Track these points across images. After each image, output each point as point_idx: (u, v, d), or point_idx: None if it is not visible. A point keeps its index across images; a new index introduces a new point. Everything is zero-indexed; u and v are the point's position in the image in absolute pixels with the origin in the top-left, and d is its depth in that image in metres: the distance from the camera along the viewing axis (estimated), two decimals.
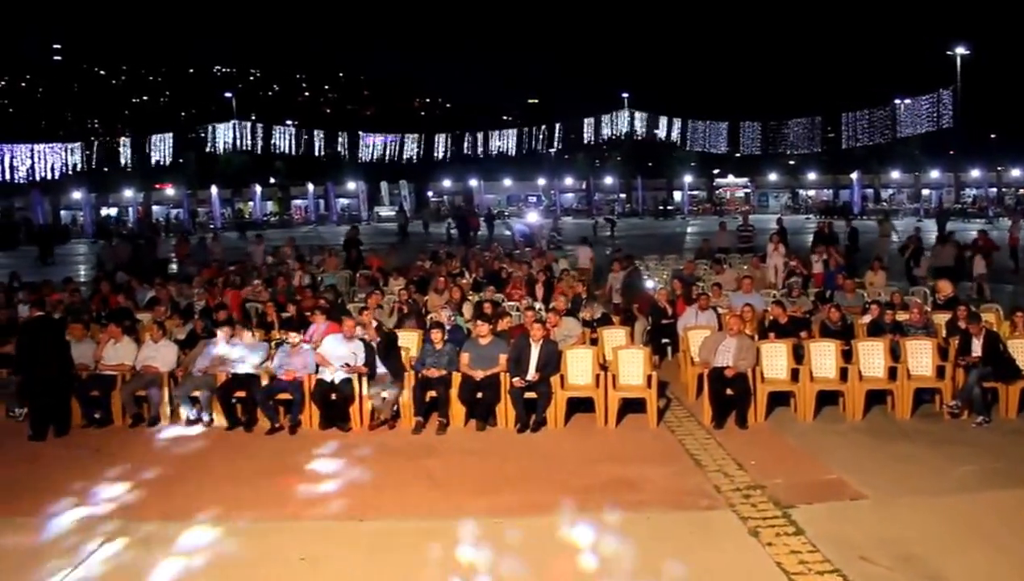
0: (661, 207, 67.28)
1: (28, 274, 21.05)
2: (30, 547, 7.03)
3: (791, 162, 75.06)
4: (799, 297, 14.06)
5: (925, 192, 67.88)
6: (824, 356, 10.56)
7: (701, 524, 7.21)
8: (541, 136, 64.26)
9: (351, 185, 70.06)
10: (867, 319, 11.85)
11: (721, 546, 6.78)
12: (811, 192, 71.64)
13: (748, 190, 75.27)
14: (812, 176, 71.97)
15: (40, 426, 10.15)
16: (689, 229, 47.72)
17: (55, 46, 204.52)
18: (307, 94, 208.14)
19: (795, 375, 10.41)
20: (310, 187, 69.61)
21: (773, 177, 74.31)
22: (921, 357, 10.50)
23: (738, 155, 71.41)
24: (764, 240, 21.66)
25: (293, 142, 58.56)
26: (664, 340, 13.30)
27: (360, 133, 62.01)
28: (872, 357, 10.49)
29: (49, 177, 49.11)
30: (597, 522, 7.30)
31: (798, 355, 10.70)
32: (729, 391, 10.05)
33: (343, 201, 70.31)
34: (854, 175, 63.92)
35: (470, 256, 20.02)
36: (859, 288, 15.02)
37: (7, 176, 46.23)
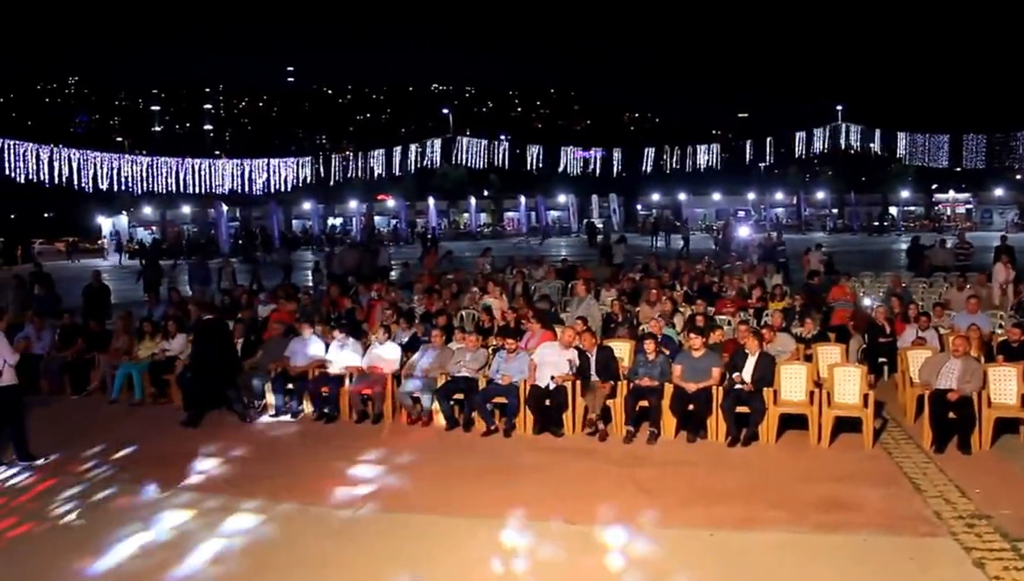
0: (876, 223, 64.19)
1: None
2: (262, 536, 7.73)
3: (1019, 177, 69.47)
4: None
5: None
6: None
7: (920, 550, 6.95)
8: (750, 150, 62.61)
9: (561, 198, 71.40)
10: None
11: (942, 575, 6.53)
12: None
13: (970, 206, 70.38)
14: None
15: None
16: (904, 245, 45.20)
17: (288, 68, 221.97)
18: (519, 110, 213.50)
19: None
20: (522, 199, 71.60)
21: (999, 193, 69.05)
22: None
23: (959, 169, 66.70)
24: (981, 258, 20.43)
25: (506, 156, 60.08)
26: (881, 359, 12.88)
27: (571, 147, 62.77)
28: None
29: (283, 189, 52.89)
30: (811, 540, 7.23)
31: None
32: (952, 415, 9.63)
33: (553, 213, 71.67)
34: None
35: (682, 269, 20.02)
36: None
37: (246, 188, 50.22)
